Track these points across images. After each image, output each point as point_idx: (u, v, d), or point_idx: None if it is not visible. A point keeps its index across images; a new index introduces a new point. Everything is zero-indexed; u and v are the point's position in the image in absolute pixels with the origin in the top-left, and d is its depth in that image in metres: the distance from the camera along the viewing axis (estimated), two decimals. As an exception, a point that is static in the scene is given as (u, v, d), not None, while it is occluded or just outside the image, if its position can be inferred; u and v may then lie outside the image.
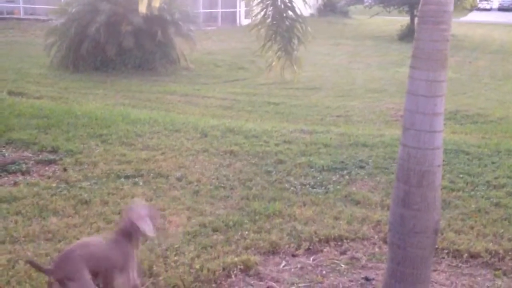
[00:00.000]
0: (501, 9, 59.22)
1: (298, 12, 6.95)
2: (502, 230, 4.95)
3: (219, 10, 31.02)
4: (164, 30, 15.97)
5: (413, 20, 30.03)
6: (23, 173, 6.28)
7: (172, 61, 16.82)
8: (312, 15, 41.50)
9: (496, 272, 4.24)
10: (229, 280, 3.96)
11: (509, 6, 60.09)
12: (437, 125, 3.04)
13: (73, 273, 3.02)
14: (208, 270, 4.00)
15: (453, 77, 16.12)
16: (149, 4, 3.37)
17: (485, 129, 10.09)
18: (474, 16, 47.40)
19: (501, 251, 4.52)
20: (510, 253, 4.52)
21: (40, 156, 6.87)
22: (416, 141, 3.05)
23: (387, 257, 3.47)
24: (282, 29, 6.78)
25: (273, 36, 6.91)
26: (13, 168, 6.39)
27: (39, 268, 3.35)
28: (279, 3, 6.76)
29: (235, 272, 4.04)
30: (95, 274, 3.14)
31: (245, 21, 32.06)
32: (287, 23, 6.85)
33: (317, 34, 26.66)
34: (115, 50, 15.24)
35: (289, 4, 6.83)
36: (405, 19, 30.99)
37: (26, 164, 6.54)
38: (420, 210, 3.10)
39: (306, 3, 7.21)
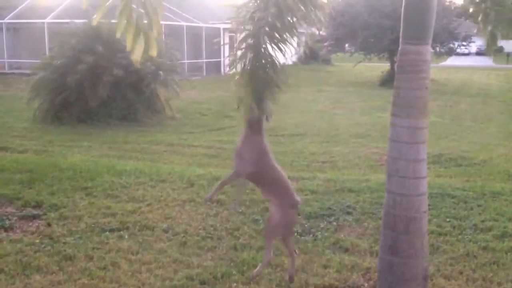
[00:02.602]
0: (479, 53, 60.89)
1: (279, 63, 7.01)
2: (491, 274, 4.94)
3: (204, 60, 31.49)
4: (146, 81, 16.10)
5: (393, 66, 30.72)
6: (6, 230, 6.18)
7: (157, 111, 16.88)
8: (295, 63, 42.35)
9: (488, 318, 4.19)
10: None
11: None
12: (420, 171, 3.07)
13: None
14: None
15: (435, 121, 16.36)
16: (146, 53, 3.43)
17: (469, 172, 10.16)
18: (453, 61, 48.66)
19: (491, 296, 4.49)
20: (500, 298, 4.49)
21: (24, 211, 6.77)
22: (400, 188, 3.07)
23: (377, 306, 3.42)
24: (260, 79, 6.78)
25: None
26: (-5, 224, 6.29)
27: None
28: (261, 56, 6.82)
29: (224, 326, 3.95)
30: None
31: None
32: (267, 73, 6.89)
33: (301, 81, 27.14)
34: (98, 102, 15.27)
35: (269, 58, 6.89)
36: (385, 65, 31.70)
37: (9, 220, 6.45)
38: (409, 257, 3.09)
39: (284, 54, 7.24)
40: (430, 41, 3.03)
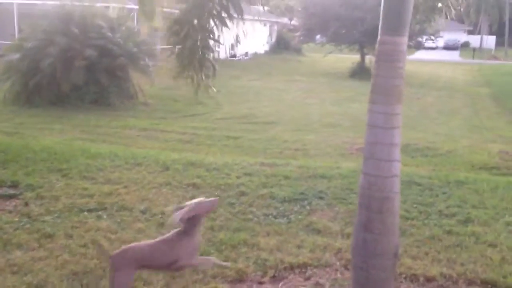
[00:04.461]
0: (446, 47, 62.18)
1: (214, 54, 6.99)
2: (454, 256, 5.24)
3: (177, 46, 31.28)
4: (120, 65, 16.06)
5: (363, 58, 31.21)
6: (-17, 208, 6.21)
7: (129, 96, 16.85)
8: (266, 52, 42.49)
9: (451, 294, 4.49)
10: (198, 308, 4.05)
11: (454, 45, 63.22)
12: (395, 155, 3.30)
13: (121, 265, 3.82)
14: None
15: (403, 112, 16.78)
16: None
17: (435, 161, 10.56)
18: (421, 55, 49.58)
19: (454, 275, 4.79)
20: (462, 277, 4.79)
21: (0, 191, 6.80)
22: (376, 170, 3.30)
23: (351, 279, 3.66)
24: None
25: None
26: (-28, 203, 6.31)
27: (103, 253, 4.23)
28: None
29: (204, 300, 4.14)
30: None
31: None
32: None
33: (272, 70, 27.26)
34: (70, 85, 15.16)
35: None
36: (355, 57, 32.14)
37: (-15, 199, 6.47)
38: (381, 234, 3.32)
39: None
40: (407, 34, 3.25)
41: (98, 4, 15.84)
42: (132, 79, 16.91)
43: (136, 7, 21.25)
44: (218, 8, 5.29)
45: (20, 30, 21.61)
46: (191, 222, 3.84)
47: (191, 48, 5.20)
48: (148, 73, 16.95)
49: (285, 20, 54.08)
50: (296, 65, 34.54)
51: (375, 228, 3.31)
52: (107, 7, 16.43)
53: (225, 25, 5.34)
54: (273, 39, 45.29)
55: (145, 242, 4.17)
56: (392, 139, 3.28)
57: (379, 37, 3.25)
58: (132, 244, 4.13)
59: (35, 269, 4.64)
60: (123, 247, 4.10)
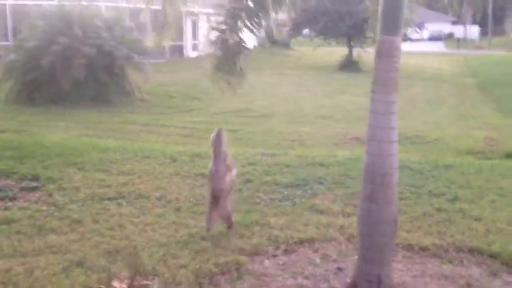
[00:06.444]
0: (431, 38, 63.01)
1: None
2: (444, 229, 5.86)
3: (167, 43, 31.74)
4: (117, 62, 16.53)
5: (351, 51, 31.78)
6: (10, 199, 6.73)
7: (126, 93, 17.32)
8: (255, 47, 42.86)
9: (442, 260, 5.11)
10: (224, 276, 4.62)
11: (438, 36, 64.13)
12: (393, 136, 3.89)
13: None
14: (205, 269, 4.65)
15: (392, 103, 17.37)
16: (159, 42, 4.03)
17: (423, 148, 11.16)
18: (407, 46, 50.10)
19: (445, 245, 5.42)
20: (452, 246, 5.41)
21: (23, 183, 7.31)
22: (377, 150, 3.88)
23: (357, 245, 4.25)
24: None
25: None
26: (0, 195, 6.82)
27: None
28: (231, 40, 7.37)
29: (228, 269, 4.71)
30: None
31: (192, 54, 32.92)
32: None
33: (263, 65, 27.74)
34: (70, 83, 15.61)
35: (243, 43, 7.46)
36: (344, 50, 32.68)
37: (12, 191, 6.99)
38: (383, 204, 3.91)
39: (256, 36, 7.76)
40: (400, 33, 3.84)
41: (95, 3, 16.28)
42: (128, 76, 17.38)
43: (129, 5, 21.65)
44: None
45: (14, 31, 21.95)
46: None
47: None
48: (143, 70, 17.41)
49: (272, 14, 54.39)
50: (285, 59, 35.06)
51: (378, 198, 3.89)
52: (102, 6, 16.86)
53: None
54: (262, 33, 45.69)
55: None
56: (390, 123, 3.86)
57: (378, 37, 3.83)
58: None
59: (72, 249, 5.19)
60: None
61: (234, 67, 7.17)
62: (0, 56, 18.92)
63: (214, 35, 6.86)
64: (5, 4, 25.02)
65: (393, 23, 3.78)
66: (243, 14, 6.13)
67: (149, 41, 5.48)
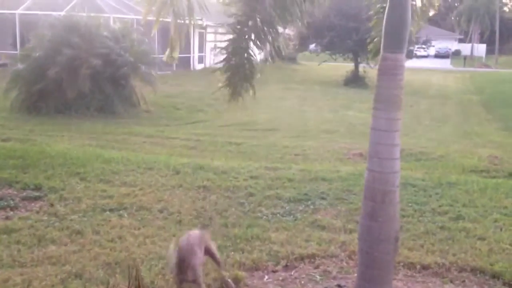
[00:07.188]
0: (438, 56, 63.05)
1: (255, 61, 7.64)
2: (447, 247, 5.80)
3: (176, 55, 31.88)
4: (123, 73, 16.61)
5: (357, 66, 31.87)
6: (11, 209, 6.71)
7: (132, 104, 17.40)
8: (262, 61, 43.04)
9: (444, 279, 5.05)
10: (223, 290, 4.58)
11: (445, 53, 64.19)
12: (395, 154, 3.86)
13: None
14: (204, 283, 4.60)
15: (397, 119, 17.36)
16: (170, 55, 4.07)
17: (427, 165, 11.12)
18: (413, 63, 50.20)
19: (447, 263, 5.36)
20: (454, 265, 5.35)
21: (25, 193, 7.31)
22: (379, 167, 3.85)
23: (357, 262, 4.21)
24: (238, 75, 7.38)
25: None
26: (1, 204, 6.81)
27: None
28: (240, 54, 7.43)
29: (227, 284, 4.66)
30: None
31: (198, 66, 33.05)
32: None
33: (268, 79, 27.80)
34: (76, 93, 15.69)
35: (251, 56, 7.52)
36: (349, 65, 32.78)
37: (13, 200, 6.98)
38: (384, 222, 3.88)
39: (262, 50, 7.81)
40: (405, 50, 3.82)
41: (103, 15, 16.42)
42: (134, 87, 17.46)
43: (136, 17, 21.80)
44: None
45: (22, 40, 22.11)
46: None
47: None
48: (151, 82, 17.49)
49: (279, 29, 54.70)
50: (291, 73, 35.16)
51: (379, 216, 3.86)
52: (110, 18, 16.96)
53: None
54: (268, 48, 45.92)
55: None
56: (393, 140, 3.84)
57: (381, 54, 3.82)
58: None
59: (71, 260, 5.16)
60: None
61: (242, 81, 7.23)
62: (7, 65, 19.04)
63: (222, 48, 6.90)
64: (14, 14, 25.24)
65: (397, 40, 3.77)
66: (252, 32, 6.18)
67: (165, 56, 5.50)
